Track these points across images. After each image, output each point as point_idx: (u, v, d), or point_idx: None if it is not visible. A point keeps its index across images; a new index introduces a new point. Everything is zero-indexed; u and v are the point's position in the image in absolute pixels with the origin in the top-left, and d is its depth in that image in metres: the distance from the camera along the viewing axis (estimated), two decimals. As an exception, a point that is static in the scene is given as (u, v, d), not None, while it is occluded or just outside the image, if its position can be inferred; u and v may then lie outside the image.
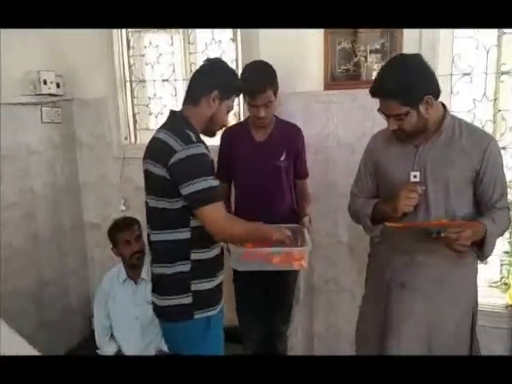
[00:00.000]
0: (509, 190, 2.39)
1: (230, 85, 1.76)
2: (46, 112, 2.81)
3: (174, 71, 2.86)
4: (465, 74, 2.36)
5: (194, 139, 1.60)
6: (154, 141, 1.68)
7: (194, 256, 1.68)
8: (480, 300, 2.48)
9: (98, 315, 2.53)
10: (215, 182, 1.60)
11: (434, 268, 1.73)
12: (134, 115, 3.02)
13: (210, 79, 1.73)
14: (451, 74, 2.38)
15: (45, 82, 2.70)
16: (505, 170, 1.77)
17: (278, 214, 2.21)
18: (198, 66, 2.76)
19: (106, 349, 2.50)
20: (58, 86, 2.81)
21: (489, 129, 2.40)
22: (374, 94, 1.67)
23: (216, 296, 1.77)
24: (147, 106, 2.98)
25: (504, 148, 2.41)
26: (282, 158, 2.22)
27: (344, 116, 2.49)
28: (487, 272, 2.61)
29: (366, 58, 2.38)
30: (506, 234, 2.47)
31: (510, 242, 2.51)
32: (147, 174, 1.69)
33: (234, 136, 2.30)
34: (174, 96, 2.88)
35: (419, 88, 1.60)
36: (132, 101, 3.01)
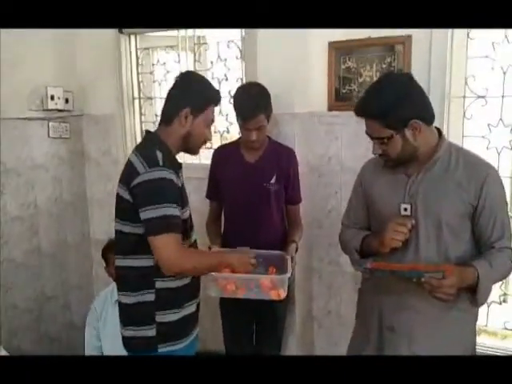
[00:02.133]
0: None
1: (202, 97, 1.64)
2: (53, 127, 2.82)
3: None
4: (479, 97, 2.19)
5: (161, 162, 1.51)
6: (127, 162, 1.62)
7: (160, 284, 1.58)
8: (495, 344, 2.29)
9: (89, 336, 2.47)
10: (173, 211, 1.49)
11: (424, 312, 1.55)
12: (141, 132, 3.00)
13: (179, 96, 1.64)
14: (464, 97, 2.21)
15: (52, 98, 2.72)
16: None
17: (265, 238, 2.10)
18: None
19: None
20: (66, 101, 2.83)
21: (506, 156, 2.20)
22: (357, 113, 1.54)
23: (185, 328, 1.66)
24: (153, 123, 2.94)
25: (521, 178, 2.21)
26: (272, 181, 2.13)
27: (349, 138, 2.36)
28: (504, 312, 2.39)
29: (371, 77, 2.25)
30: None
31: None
32: (116, 196, 1.62)
33: (224, 155, 2.24)
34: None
35: (404, 111, 1.45)
36: (140, 118, 2.99)
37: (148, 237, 1.48)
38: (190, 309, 1.67)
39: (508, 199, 2.36)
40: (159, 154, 1.54)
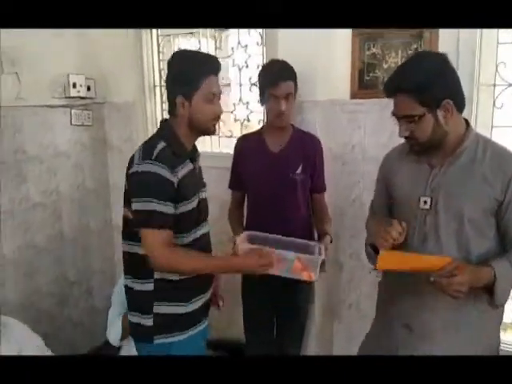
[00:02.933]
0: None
1: (191, 76, 1.52)
2: (75, 114, 2.83)
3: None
4: (510, 85, 2.08)
5: (154, 155, 1.48)
6: None
7: (158, 275, 1.56)
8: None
9: (111, 315, 2.51)
10: (160, 207, 1.46)
11: (442, 311, 1.48)
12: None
13: (170, 85, 1.59)
14: (494, 85, 2.10)
15: (74, 85, 2.73)
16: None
17: (290, 229, 2.06)
18: (223, 71, 2.72)
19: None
20: (88, 88, 2.84)
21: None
22: (388, 89, 1.45)
23: (187, 322, 1.62)
24: (175, 110, 2.93)
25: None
26: (298, 171, 2.09)
27: (372, 127, 2.29)
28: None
29: (397, 64, 2.16)
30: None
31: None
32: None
33: (248, 145, 2.19)
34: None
35: (439, 88, 1.38)
36: (161, 105, 2.97)
37: (138, 228, 1.50)
38: (194, 304, 1.63)
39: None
40: (160, 145, 1.52)
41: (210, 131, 1.63)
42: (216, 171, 2.68)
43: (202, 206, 1.67)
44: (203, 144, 2.66)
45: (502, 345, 2.12)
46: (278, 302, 2.22)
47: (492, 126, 2.15)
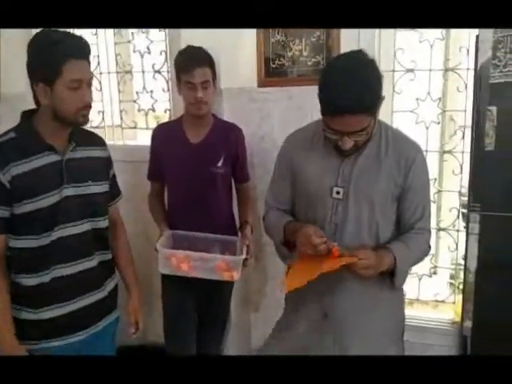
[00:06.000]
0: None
1: (51, 56, 1.34)
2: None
3: (98, 64, 2.60)
4: (408, 71, 2.17)
5: None
6: None
7: (15, 278, 1.50)
8: (427, 315, 2.35)
9: None
10: None
11: (358, 293, 1.50)
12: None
13: (30, 70, 1.41)
14: (393, 71, 2.18)
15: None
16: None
17: (212, 222, 2.00)
18: (123, 58, 2.56)
19: None
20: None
21: (433, 130, 2.22)
22: (347, 109, 1.28)
23: (37, 331, 1.51)
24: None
25: (450, 152, 2.24)
26: (220, 164, 2.00)
27: (280, 116, 2.27)
28: (434, 286, 2.45)
29: (301, 52, 2.17)
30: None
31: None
32: None
33: (166, 134, 2.06)
34: (99, 90, 2.62)
35: (381, 90, 1.34)
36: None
37: None
38: (47, 313, 1.51)
39: (437, 175, 2.41)
40: (5, 138, 1.42)
41: (77, 122, 1.46)
42: (119, 165, 2.53)
43: (70, 204, 1.49)
44: (104, 136, 2.49)
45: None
46: (201, 301, 2.13)
47: (392, 111, 2.23)
